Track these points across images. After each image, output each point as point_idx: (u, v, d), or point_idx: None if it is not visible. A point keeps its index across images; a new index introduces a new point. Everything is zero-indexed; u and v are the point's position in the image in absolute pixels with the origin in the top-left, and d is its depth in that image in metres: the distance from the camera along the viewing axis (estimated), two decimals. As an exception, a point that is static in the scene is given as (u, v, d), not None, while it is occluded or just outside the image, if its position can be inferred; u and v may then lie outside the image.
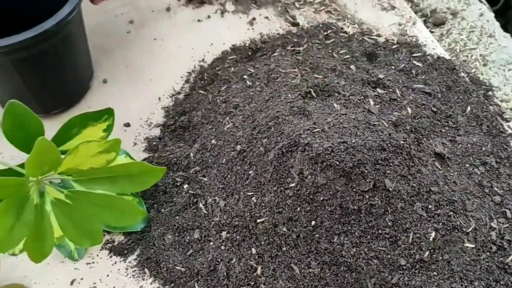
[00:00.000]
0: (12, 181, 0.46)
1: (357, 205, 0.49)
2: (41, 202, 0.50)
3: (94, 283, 0.53)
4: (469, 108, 0.61)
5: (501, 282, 0.50)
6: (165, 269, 0.53)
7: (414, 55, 0.66)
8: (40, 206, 0.50)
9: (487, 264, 0.50)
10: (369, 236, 0.49)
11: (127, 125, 0.63)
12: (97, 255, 0.55)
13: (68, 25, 0.56)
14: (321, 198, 0.50)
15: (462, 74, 0.65)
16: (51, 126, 0.52)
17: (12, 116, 0.51)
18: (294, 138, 0.51)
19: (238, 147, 0.55)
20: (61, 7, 0.54)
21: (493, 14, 0.73)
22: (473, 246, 0.50)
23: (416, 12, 0.73)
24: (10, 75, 0.57)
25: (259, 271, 0.51)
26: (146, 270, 0.53)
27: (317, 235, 0.50)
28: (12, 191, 0.47)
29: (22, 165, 0.56)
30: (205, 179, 0.56)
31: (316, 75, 0.61)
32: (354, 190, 0.49)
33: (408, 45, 0.68)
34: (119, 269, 0.54)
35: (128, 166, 0.50)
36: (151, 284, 0.53)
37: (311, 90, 0.58)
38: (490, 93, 0.64)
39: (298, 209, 0.50)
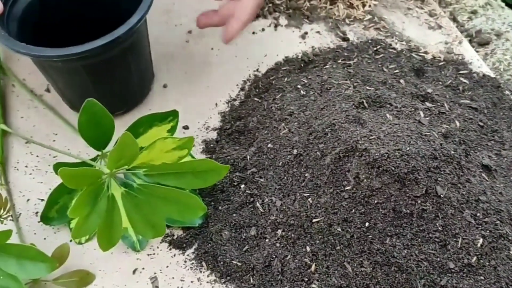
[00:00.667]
0: (92, 171, 0.51)
1: (410, 209, 0.52)
2: (113, 194, 0.54)
3: (155, 273, 0.56)
4: (514, 124, 0.64)
5: (546, 290, 0.52)
6: (221, 263, 0.56)
7: (461, 72, 0.69)
8: (112, 197, 0.54)
9: (532, 272, 0.52)
10: (420, 239, 0.52)
11: (186, 127, 0.67)
12: (158, 247, 0.58)
13: (136, 33, 0.60)
14: (376, 201, 0.52)
15: (507, 92, 0.68)
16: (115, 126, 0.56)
17: (88, 113, 0.55)
18: (351, 144, 0.54)
19: (295, 151, 0.59)
20: (124, 14, 0.58)
21: (536, 36, 0.75)
22: (519, 254, 0.53)
23: (461, 32, 0.76)
24: (81, 78, 0.62)
25: (313, 268, 0.53)
26: (203, 263, 0.57)
27: (370, 236, 0.52)
28: (91, 182, 0.51)
29: (93, 159, 0.60)
30: (262, 180, 0.59)
31: (367, 87, 0.64)
32: (407, 195, 0.52)
33: (455, 62, 0.71)
34: (178, 261, 0.57)
35: (195, 163, 0.54)
36: (208, 276, 0.56)
37: (364, 101, 0.62)
38: (534, 111, 0.67)
39: (353, 210, 0.53)
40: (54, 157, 0.65)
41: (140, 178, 0.55)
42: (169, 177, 0.54)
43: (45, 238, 0.59)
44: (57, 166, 0.55)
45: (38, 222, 0.60)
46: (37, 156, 0.65)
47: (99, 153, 0.59)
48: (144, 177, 0.55)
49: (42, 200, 0.61)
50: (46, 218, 0.59)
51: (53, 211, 0.59)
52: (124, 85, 0.65)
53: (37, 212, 0.61)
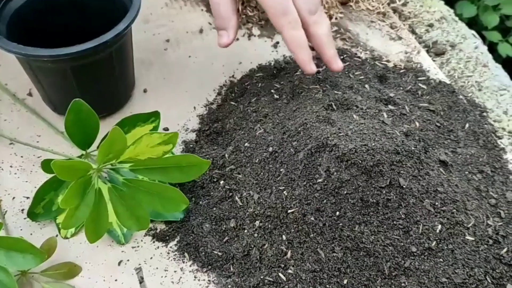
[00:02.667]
0: (83, 164, 0.54)
1: (376, 199, 0.57)
2: (100, 187, 0.57)
3: (139, 264, 0.60)
4: (467, 125, 0.70)
5: (497, 270, 0.57)
6: (203, 253, 0.60)
7: (419, 78, 0.76)
8: (99, 191, 0.57)
9: (485, 254, 0.58)
10: (385, 226, 0.57)
11: (166, 129, 0.71)
12: (142, 240, 0.62)
13: (122, 38, 0.64)
14: (345, 192, 0.57)
15: (461, 96, 0.74)
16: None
17: (75, 113, 0.59)
18: (322, 140, 0.59)
19: (270, 149, 0.63)
20: (107, 25, 0.62)
21: (486, 47, 0.83)
22: (473, 239, 0.58)
23: (419, 43, 0.83)
24: (66, 80, 0.65)
25: (289, 254, 0.58)
26: (186, 254, 0.60)
27: (340, 224, 0.57)
28: (80, 175, 0.54)
29: (80, 157, 0.63)
30: (240, 176, 0.64)
31: (335, 91, 0.69)
32: (373, 186, 0.57)
33: (414, 70, 0.77)
34: (161, 253, 0.61)
35: (179, 158, 0.58)
36: (190, 266, 0.59)
37: (332, 103, 0.67)
38: (484, 114, 0.74)
39: (325, 201, 0.58)
40: (38, 157, 0.68)
41: (125, 174, 0.59)
42: (154, 172, 0.57)
43: (31, 234, 0.61)
44: (46, 162, 0.58)
45: (24, 218, 0.62)
46: (22, 156, 0.68)
47: (83, 153, 0.62)
48: (130, 172, 0.59)
49: (28, 198, 0.64)
50: (32, 214, 0.61)
51: (40, 207, 0.61)
52: (108, 89, 0.69)
53: (23, 210, 0.63)
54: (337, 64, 0.66)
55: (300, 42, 0.63)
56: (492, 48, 1.31)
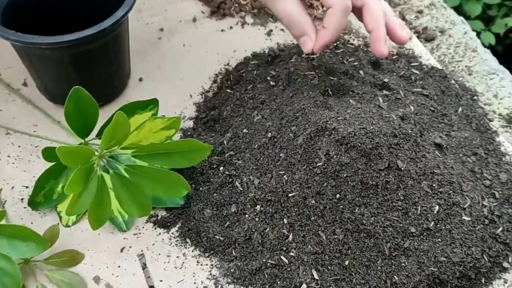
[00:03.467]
0: (86, 149, 0.54)
1: (375, 181, 0.58)
2: (102, 174, 0.57)
3: (142, 251, 0.60)
4: (460, 109, 0.72)
5: (493, 249, 0.59)
6: (205, 238, 0.60)
7: (412, 64, 0.77)
8: (102, 178, 0.57)
9: (481, 234, 0.59)
10: (385, 207, 0.58)
11: (163, 117, 0.71)
12: (143, 227, 0.62)
13: (120, 26, 0.64)
14: (345, 175, 0.58)
15: (453, 81, 0.76)
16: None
17: (75, 101, 0.59)
18: (321, 124, 0.60)
19: (269, 134, 0.64)
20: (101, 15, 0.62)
21: (475, 33, 0.84)
22: (469, 219, 0.60)
23: (410, 29, 0.84)
24: (64, 68, 0.65)
25: (290, 238, 0.58)
26: (187, 239, 0.61)
27: (341, 207, 0.58)
28: (84, 161, 0.54)
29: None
30: (239, 161, 0.64)
31: (331, 77, 0.70)
32: (373, 168, 0.58)
33: (406, 56, 0.78)
34: (163, 239, 0.61)
35: (181, 143, 0.58)
36: (192, 251, 0.60)
37: (329, 89, 0.68)
38: (475, 97, 0.75)
39: (325, 184, 0.59)
40: (36, 146, 0.67)
41: (127, 160, 0.59)
42: (156, 158, 0.58)
43: (32, 223, 0.61)
44: (47, 150, 0.58)
45: (24, 207, 0.62)
46: (19, 146, 0.68)
47: (82, 141, 0.62)
48: (134, 158, 0.59)
49: (27, 187, 0.64)
50: (33, 203, 0.61)
51: (40, 196, 0.61)
52: (105, 77, 0.69)
53: (22, 199, 0.63)
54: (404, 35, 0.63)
55: (381, 14, 0.60)
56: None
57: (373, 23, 0.61)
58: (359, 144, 0.58)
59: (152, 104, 0.65)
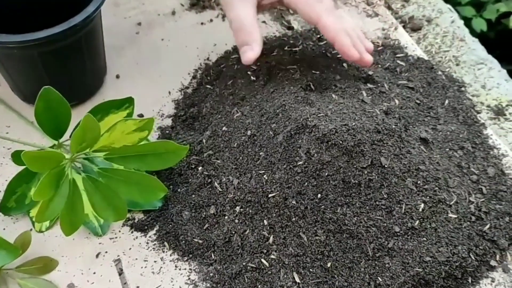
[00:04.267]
0: (55, 154, 0.52)
1: (357, 179, 0.56)
2: (74, 178, 0.55)
3: (118, 256, 0.58)
4: (447, 101, 0.70)
5: (480, 247, 0.57)
6: (183, 241, 0.58)
7: (397, 55, 0.75)
8: (73, 182, 0.55)
9: (468, 231, 0.58)
10: (368, 207, 0.56)
11: (141, 115, 0.69)
12: (119, 231, 0.60)
13: (92, 22, 0.62)
14: (326, 174, 0.56)
15: (439, 72, 0.74)
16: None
17: (45, 101, 0.56)
18: (302, 122, 0.58)
19: (249, 132, 0.62)
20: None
21: (462, 21, 0.82)
22: (456, 216, 0.58)
23: (396, 19, 0.81)
24: (35, 67, 0.62)
25: (271, 240, 0.57)
26: (165, 243, 0.59)
27: (322, 207, 0.56)
28: (53, 165, 0.52)
29: (51, 147, 0.61)
30: (218, 161, 0.62)
31: (313, 71, 0.68)
32: (355, 166, 0.56)
33: (392, 47, 0.76)
34: (140, 243, 0.59)
35: (155, 145, 0.56)
36: (170, 255, 0.58)
37: (311, 83, 0.65)
38: (463, 88, 0.73)
39: (306, 184, 0.57)
40: (9, 149, 0.65)
41: (100, 163, 0.57)
42: (130, 160, 0.56)
43: (4, 229, 0.59)
44: (16, 154, 0.56)
45: (-4, 213, 0.60)
46: (-9, 149, 0.65)
47: (55, 143, 0.60)
48: (107, 161, 0.57)
49: (-1, 191, 0.62)
50: (5, 208, 0.59)
51: (12, 201, 0.59)
52: (78, 75, 0.66)
53: (-6, 204, 0.61)
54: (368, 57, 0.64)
55: (339, 26, 0.61)
56: (466, 23, 1.31)
57: (331, 36, 0.61)
58: (341, 142, 0.56)
59: (127, 103, 0.63)
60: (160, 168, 0.58)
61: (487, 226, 0.58)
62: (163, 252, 0.58)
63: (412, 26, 0.81)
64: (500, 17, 1.30)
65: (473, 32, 1.20)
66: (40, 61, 0.61)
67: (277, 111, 0.61)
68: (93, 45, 0.65)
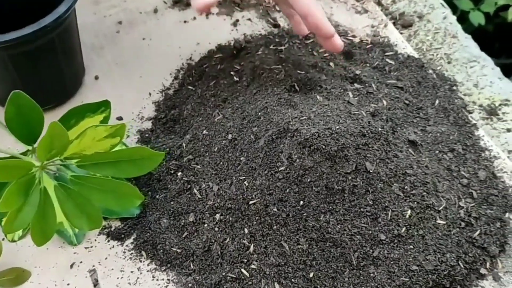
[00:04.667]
0: (22, 163, 0.49)
1: (341, 185, 0.54)
2: (45, 186, 0.53)
3: (93, 266, 0.56)
4: (437, 101, 0.67)
5: (470, 254, 0.55)
6: (161, 251, 0.56)
7: (387, 54, 0.72)
8: (44, 190, 0.53)
9: (457, 238, 0.55)
10: (352, 214, 0.54)
11: (120, 118, 0.66)
12: (95, 240, 0.58)
13: (65, 22, 0.59)
14: (309, 180, 0.54)
15: (430, 71, 0.71)
16: (45, 120, 0.55)
17: (15, 105, 0.54)
18: (283, 125, 0.56)
19: (229, 136, 0.59)
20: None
21: (455, 17, 0.79)
22: (444, 222, 0.56)
23: (386, 15, 0.79)
24: (6, 70, 0.60)
25: (251, 249, 0.54)
26: (143, 252, 0.57)
27: (305, 214, 0.54)
28: (21, 174, 0.50)
29: (23, 154, 0.59)
30: (198, 166, 0.60)
31: (298, 71, 0.65)
32: (338, 172, 0.54)
33: (381, 45, 0.74)
34: (117, 252, 0.57)
35: (130, 151, 0.54)
36: (148, 265, 0.56)
37: (295, 84, 0.63)
38: (454, 87, 0.71)
39: (288, 190, 0.54)
40: (-18, 154, 0.63)
41: (75, 170, 0.54)
42: (103, 167, 0.53)
43: (-25, 239, 0.57)
44: (-16, 162, 0.54)
45: (-33, 222, 0.58)
46: (-37, 154, 0.63)
47: (29, 148, 0.58)
48: (79, 168, 0.54)
49: (-29, 199, 0.59)
50: (-25, 217, 0.57)
51: (-17, 210, 0.57)
52: (53, 77, 0.64)
53: (-35, 212, 0.59)
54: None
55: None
56: (464, 17, 1.28)
57: (304, 9, 0.56)
58: (323, 146, 0.54)
59: (103, 106, 0.60)
60: (136, 175, 0.56)
61: (477, 232, 0.56)
62: (140, 261, 0.56)
63: (403, 22, 0.78)
64: (499, 10, 1.27)
65: (469, 27, 1.18)
66: (11, 63, 0.58)
67: (259, 114, 0.59)
68: (68, 46, 0.63)
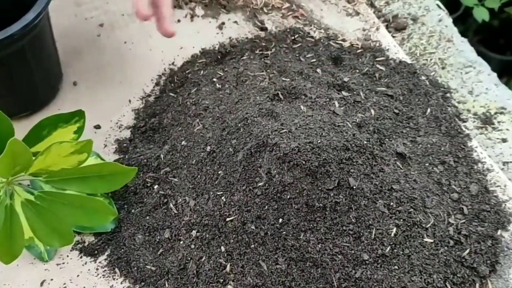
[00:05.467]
0: (-18, 182, 0.47)
1: (323, 202, 0.51)
2: (11, 203, 0.50)
3: (64, 284, 0.54)
4: (429, 110, 0.64)
5: (458, 275, 0.52)
6: (135, 268, 0.54)
7: (378, 59, 0.69)
8: (10, 207, 0.50)
9: (445, 257, 0.53)
10: (334, 232, 0.51)
11: (98, 127, 0.64)
12: (67, 256, 0.56)
13: (35, 29, 0.57)
14: (288, 197, 0.51)
15: (423, 77, 0.68)
16: (19, 129, 0.52)
17: (-18, 118, 0.51)
18: (263, 139, 0.53)
19: (208, 148, 0.57)
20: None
21: (451, 20, 0.76)
22: (432, 241, 0.53)
23: (378, 18, 0.76)
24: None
25: (228, 268, 0.52)
26: (116, 269, 0.54)
27: (284, 232, 0.51)
28: (-18, 192, 0.47)
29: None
30: (175, 179, 0.57)
31: (283, 78, 0.63)
32: (320, 188, 0.51)
33: (372, 49, 0.70)
34: (89, 269, 0.55)
35: (99, 167, 0.51)
36: (121, 283, 0.54)
37: (279, 92, 0.60)
38: (448, 95, 0.68)
39: (266, 207, 0.52)
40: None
41: (44, 186, 0.52)
42: (71, 183, 0.51)
43: None
44: None
45: None
46: None
47: (2, 159, 0.55)
48: (47, 184, 0.52)
49: None
50: None
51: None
52: (26, 85, 0.62)
53: None
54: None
55: None
56: (468, 13, 1.24)
57: None
58: (304, 162, 0.51)
59: (77, 116, 0.58)
60: (106, 191, 0.54)
61: (467, 251, 0.53)
62: (114, 279, 0.54)
63: (396, 25, 0.75)
64: (504, 5, 1.23)
65: (473, 23, 1.14)
66: (-19, 72, 0.56)
67: (239, 125, 0.56)
68: (40, 53, 0.60)
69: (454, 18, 0.78)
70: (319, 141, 0.52)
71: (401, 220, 0.53)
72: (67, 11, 0.74)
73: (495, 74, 0.71)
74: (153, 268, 0.53)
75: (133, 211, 0.57)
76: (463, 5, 1.23)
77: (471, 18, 1.20)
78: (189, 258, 0.53)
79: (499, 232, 0.56)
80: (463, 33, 0.76)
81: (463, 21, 1.29)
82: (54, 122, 0.57)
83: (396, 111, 0.63)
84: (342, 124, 0.56)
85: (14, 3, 0.60)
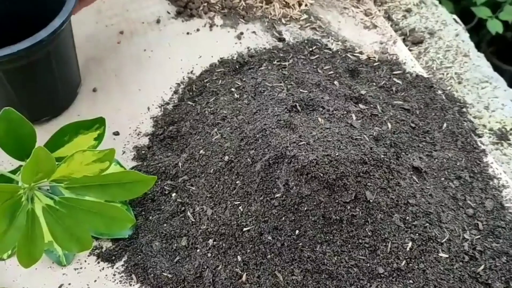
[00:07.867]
0: (6, 187, 0.48)
1: (339, 215, 0.52)
2: (33, 208, 0.51)
3: (82, 288, 0.54)
4: (445, 125, 0.65)
5: (473, 291, 0.52)
6: (152, 275, 0.54)
7: (394, 72, 0.69)
8: (32, 212, 0.51)
9: (460, 273, 0.53)
10: (349, 245, 0.52)
11: (116, 133, 0.65)
12: (85, 261, 0.56)
13: (60, 36, 0.58)
14: (305, 208, 0.52)
15: (439, 92, 0.68)
16: (40, 133, 0.54)
17: (6, 122, 0.53)
18: (281, 150, 0.54)
19: (226, 158, 0.57)
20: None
21: (468, 35, 0.76)
22: (447, 256, 0.53)
23: (396, 31, 0.76)
24: (1, 85, 0.58)
25: (244, 278, 0.52)
26: (133, 276, 0.55)
27: (300, 244, 0.52)
28: (6, 197, 0.48)
29: (13, 172, 0.57)
30: (193, 188, 0.58)
31: (301, 90, 0.63)
32: (337, 201, 0.52)
33: (389, 63, 0.71)
34: (106, 275, 0.55)
35: (120, 175, 0.52)
36: (138, 289, 0.54)
37: (297, 104, 0.61)
38: (464, 109, 0.68)
39: (283, 218, 0.52)
40: (-25, 168, 0.62)
41: (63, 192, 0.53)
42: (92, 190, 0.52)
43: (-36, 256, 0.56)
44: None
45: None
46: (-44, 167, 0.62)
47: (23, 163, 0.56)
48: (67, 190, 0.53)
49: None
50: (-36, 234, 0.56)
51: (-28, 228, 0.55)
52: (48, 90, 0.63)
53: (-45, 228, 0.57)
54: None
55: None
56: (481, 24, 1.25)
57: None
58: (321, 174, 0.52)
59: (98, 123, 0.59)
60: (125, 199, 0.54)
61: (482, 267, 0.53)
62: (130, 285, 0.54)
63: (413, 39, 0.75)
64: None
65: (487, 34, 1.14)
66: (6, 78, 0.57)
67: (257, 136, 0.57)
68: (62, 58, 0.61)
69: (467, 29, 0.79)
70: (337, 154, 0.53)
71: (417, 234, 0.53)
72: (88, 18, 0.75)
73: (511, 90, 0.71)
74: (170, 276, 0.54)
75: (150, 218, 0.58)
76: (476, 16, 1.23)
77: (485, 29, 1.20)
78: (205, 267, 0.54)
79: (514, 248, 0.56)
80: (476, 44, 0.76)
81: (477, 32, 1.29)
82: (75, 129, 0.58)
83: (413, 125, 0.63)
84: (359, 137, 0.56)
85: (35, 7, 0.62)
